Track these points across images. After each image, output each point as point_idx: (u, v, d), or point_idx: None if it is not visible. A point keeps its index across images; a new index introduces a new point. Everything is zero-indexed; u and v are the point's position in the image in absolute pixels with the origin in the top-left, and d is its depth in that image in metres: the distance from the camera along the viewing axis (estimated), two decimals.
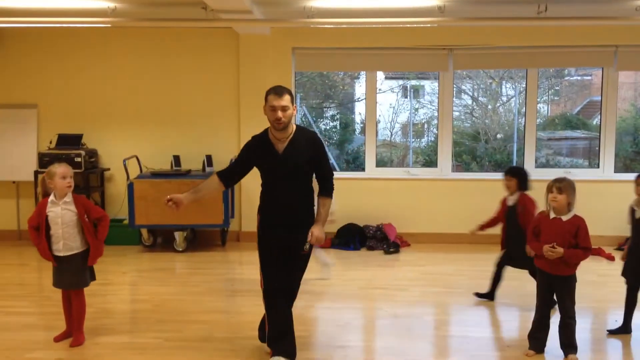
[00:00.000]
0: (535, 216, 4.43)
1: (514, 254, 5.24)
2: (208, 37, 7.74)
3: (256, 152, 4.04)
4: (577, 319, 4.22)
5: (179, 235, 7.31)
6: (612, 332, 4.67)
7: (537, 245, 4.17)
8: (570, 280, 4.18)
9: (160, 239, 7.74)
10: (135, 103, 7.88)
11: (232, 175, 4.18)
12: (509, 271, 5.39)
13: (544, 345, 4.31)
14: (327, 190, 4.10)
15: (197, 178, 7.22)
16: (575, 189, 4.17)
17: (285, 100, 3.85)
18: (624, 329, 4.67)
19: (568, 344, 4.21)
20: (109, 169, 7.91)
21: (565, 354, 4.20)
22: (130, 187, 7.11)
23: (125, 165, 7.21)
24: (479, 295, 5.55)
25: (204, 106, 7.86)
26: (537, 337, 4.31)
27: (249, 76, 7.70)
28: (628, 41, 7.46)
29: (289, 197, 3.98)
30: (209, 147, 7.75)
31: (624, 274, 4.67)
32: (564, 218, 4.12)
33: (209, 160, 7.59)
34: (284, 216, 4.00)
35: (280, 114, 3.84)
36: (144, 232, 7.46)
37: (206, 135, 7.84)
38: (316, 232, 3.97)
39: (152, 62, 7.85)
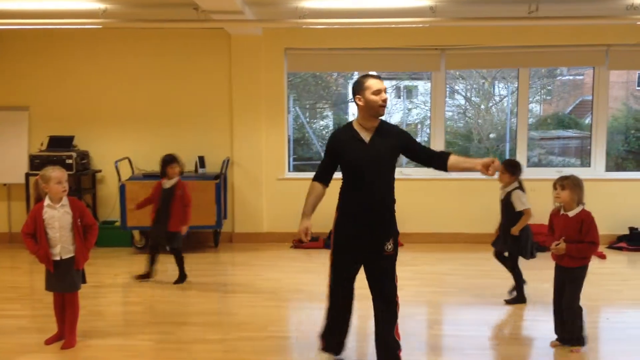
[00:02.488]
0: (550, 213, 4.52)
1: (161, 230, 6.13)
2: (199, 38, 7.72)
3: (342, 142, 3.92)
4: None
5: None
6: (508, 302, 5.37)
7: (550, 240, 4.32)
8: (576, 273, 4.26)
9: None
10: (126, 105, 7.86)
11: (328, 174, 4.02)
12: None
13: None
14: (445, 155, 3.94)
15: (190, 179, 7.20)
16: (582, 185, 4.29)
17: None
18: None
19: (569, 337, 4.30)
20: (100, 171, 7.88)
21: (566, 344, 4.33)
22: (122, 188, 7.09)
23: (116, 167, 7.18)
24: None
25: (196, 107, 7.84)
26: (557, 328, 4.42)
27: (241, 77, 7.69)
28: (619, 40, 7.48)
29: (373, 190, 3.85)
30: (202, 148, 7.73)
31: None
32: (570, 214, 4.24)
33: (201, 161, 7.57)
34: (366, 211, 3.85)
35: (385, 95, 3.82)
36: (136, 233, 7.43)
37: (198, 136, 7.81)
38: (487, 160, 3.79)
39: (143, 64, 7.82)
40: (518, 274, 5.36)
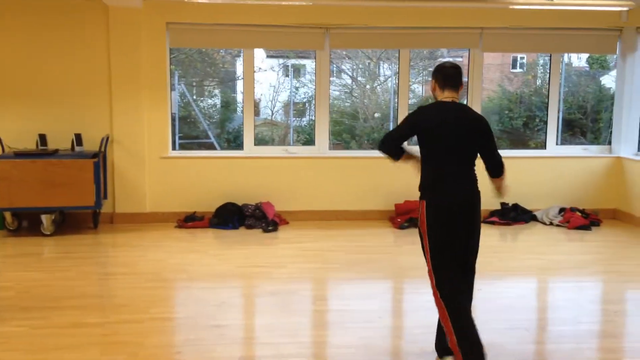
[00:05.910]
0: None
1: None
2: (75, 10, 7.32)
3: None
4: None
5: (46, 219, 6.93)
6: None
7: None
8: None
9: (26, 223, 7.31)
10: None
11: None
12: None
13: None
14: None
15: (65, 158, 6.88)
16: None
17: None
18: None
19: None
20: None
21: None
22: None
23: None
24: None
25: (72, 82, 7.45)
26: None
27: (120, 51, 7.39)
28: (493, 24, 7.84)
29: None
30: (78, 125, 7.38)
31: None
32: None
33: (78, 139, 7.23)
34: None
35: None
36: (8, 215, 7.02)
37: (75, 113, 7.44)
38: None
39: (14, 36, 7.32)
40: None
